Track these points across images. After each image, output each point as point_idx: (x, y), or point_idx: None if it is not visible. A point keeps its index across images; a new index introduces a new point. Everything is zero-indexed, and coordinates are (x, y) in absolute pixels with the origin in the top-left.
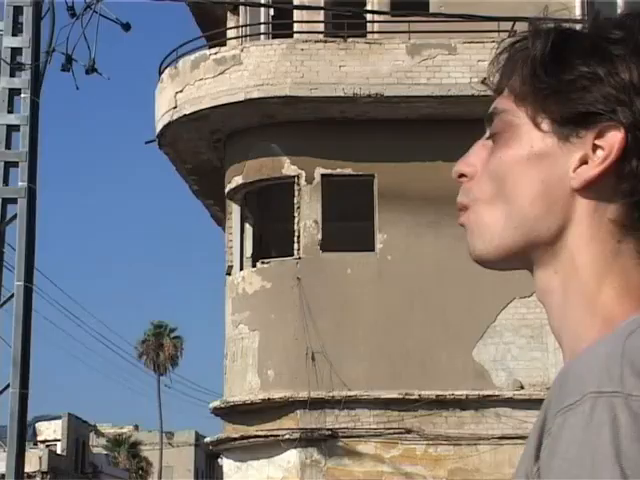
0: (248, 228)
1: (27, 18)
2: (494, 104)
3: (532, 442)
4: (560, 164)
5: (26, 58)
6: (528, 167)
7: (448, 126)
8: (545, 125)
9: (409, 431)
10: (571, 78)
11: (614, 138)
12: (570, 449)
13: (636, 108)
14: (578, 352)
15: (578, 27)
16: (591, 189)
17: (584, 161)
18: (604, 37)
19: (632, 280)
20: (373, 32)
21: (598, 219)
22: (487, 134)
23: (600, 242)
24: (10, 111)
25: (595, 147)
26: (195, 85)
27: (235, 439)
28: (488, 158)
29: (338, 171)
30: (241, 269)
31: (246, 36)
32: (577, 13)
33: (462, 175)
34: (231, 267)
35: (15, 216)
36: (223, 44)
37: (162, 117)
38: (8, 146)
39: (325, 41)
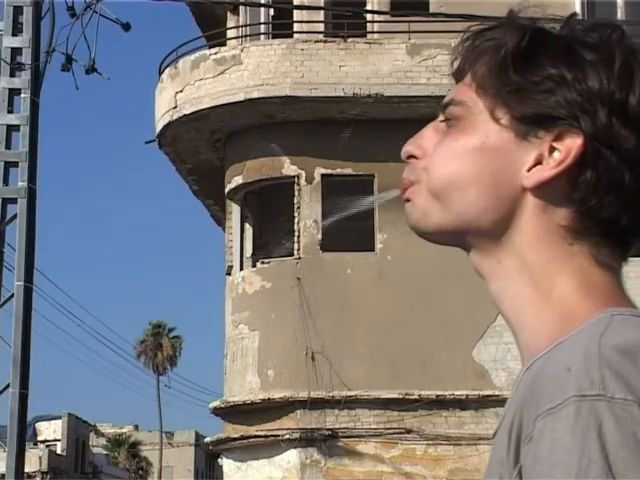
0: (248, 228)
1: (27, 18)
2: (452, 93)
3: (506, 444)
4: (513, 160)
5: (26, 58)
6: (480, 157)
7: None
8: (504, 120)
9: (409, 431)
10: (537, 79)
11: (572, 144)
12: (555, 454)
13: (599, 119)
14: (537, 347)
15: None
16: (542, 190)
17: (539, 161)
18: (579, 40)
19: (592, 279)
20: (373, 32)
21: (547, 220)
22: (441, 117)
23: (552, 244)
24: (10, 111)
25: (552, 149)
26: (195, 85)
27: (235, 439)
28: (440, 141)
29: (338, 171)
30: (241, 269)
31: (246, 36)
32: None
33: (412, 156)
34: (231, 267)
35: (15, 216)
36: (223, 44)
37: (162, 117)
38: (8, 146)
39: (325, 41)
